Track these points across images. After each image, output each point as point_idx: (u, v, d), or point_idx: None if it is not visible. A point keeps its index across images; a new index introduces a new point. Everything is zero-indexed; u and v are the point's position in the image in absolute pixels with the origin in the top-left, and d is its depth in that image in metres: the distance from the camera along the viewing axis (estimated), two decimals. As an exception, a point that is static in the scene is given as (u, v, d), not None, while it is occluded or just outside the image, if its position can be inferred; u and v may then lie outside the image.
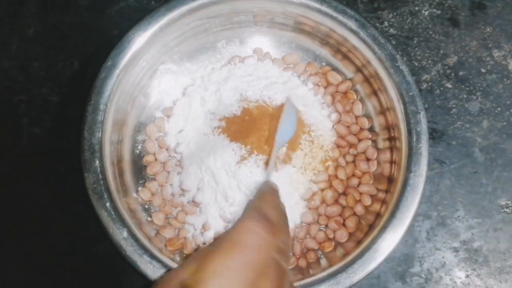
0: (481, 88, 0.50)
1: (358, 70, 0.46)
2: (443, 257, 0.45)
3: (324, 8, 0.42)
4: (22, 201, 0.46)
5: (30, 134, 0.48)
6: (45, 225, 0.45)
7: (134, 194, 0.43)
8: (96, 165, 0.37)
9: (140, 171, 0.45)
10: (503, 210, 0.46)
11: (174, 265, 0.37)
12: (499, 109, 0.49)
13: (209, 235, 0.43)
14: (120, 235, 0.36)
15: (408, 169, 0.38)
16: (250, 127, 0.42)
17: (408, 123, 0.39)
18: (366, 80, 0.45)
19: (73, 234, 0.45)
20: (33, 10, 0.52)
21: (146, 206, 0.44)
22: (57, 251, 0.45)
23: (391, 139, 0.43)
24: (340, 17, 0.41)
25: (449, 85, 0.50)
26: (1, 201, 0.46)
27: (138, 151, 0.45)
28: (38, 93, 0.49)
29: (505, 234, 0.46)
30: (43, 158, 0.47)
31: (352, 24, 0.41)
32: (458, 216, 0.46)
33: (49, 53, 0.50)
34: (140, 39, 0.41)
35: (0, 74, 0.50)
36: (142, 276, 0.36)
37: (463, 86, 0.50)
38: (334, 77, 0.47)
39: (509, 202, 0.46)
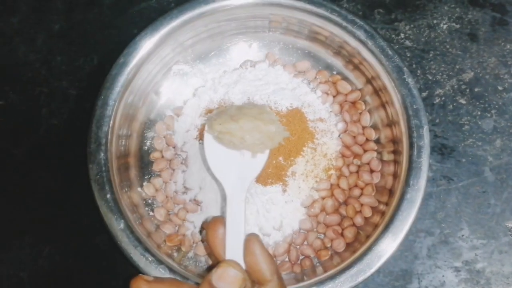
0: (496, 106, 0.49)
1: (368, 81, 0.46)
2: (443, 276, 0.44)
3: (334, 17, 0.42)
4: (35, 187, 0.48)
5: (48, 124, 0.50)
6: (55, 213, 0.47)
7: (139, 189, 0.45)
8: (101, 157, 0.39)
9: (146, 167, 0.46)
10: (510, 233, 0.45)
11: (167, 260, 0.38)
12: (514, 128, 0.48)
13: (208, 234, 0.44)
14: (117, 226, 0.37)
15: (407, 183, 0.37)
16: (253, 130, 0.42)
17: (410, 137, 0.39)
18: (376, 92, 0.45)
19: (79, 223, 0.47)
20: (60, 7, 0.54)
21: (149, 201, 0.45)
22: (62, 238, 0.46)
23: (395, 152, 0.43)
24: (349, 26, 0.41)
25: (463, 101, 0.49)
26: (16, 188, 0.48)
27: (146, 147, 0.47)
28: (58, 86, 0.51)
29: (510, 257, 0.44)
30: (59, 148, 0.49)
31: (360, 34, 0.41)
32: (462, 235, 0.45)
33: (71, 49, 0.53)
34: (152, 39, 0.42)
35: (25, 66, 0.52)
36: (135, 268, 0.37)
37: (477, 103, 0.49)
38: (344, 87, 0.47)
39: (517, 225, 0.45)
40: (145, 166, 0.46)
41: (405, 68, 0.40)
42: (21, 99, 0.51)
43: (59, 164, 0.49)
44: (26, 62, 0.52)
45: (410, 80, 0.40)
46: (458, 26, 0.52)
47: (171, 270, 0.36)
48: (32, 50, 0.53)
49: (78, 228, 0.47)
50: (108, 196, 0.38)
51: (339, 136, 0.46)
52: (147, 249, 0.37)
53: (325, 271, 0.41)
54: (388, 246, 0.36)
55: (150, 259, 0.36)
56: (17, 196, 0.48)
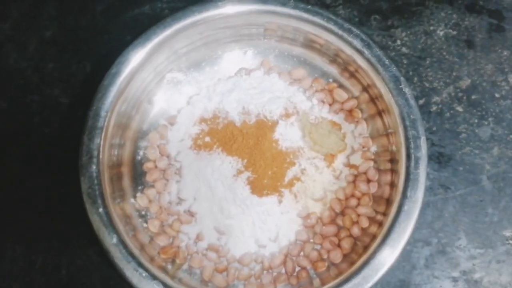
0: (493, 114, 0.48)
1: (364, 89, 0.45)
2: (440, 286, 0.44)
3: (330, 26, 0.41)
4: (27, 197, 0.47)
5: (40, 133, 0.49)
6: (47, 224, 0.46)
7: (132, 200, 0.44)
8: (92, 170, 0.38)
9: (139, 177, 0.45)
10: (507, 242, 0.45)
11: (161, 275, 0.37)
12: (511, 136, 0.48)
13: (203, 246, 0.43)
14: (109, 241, 0.36)
15: (404, 195, 0.37)
16: (249, 141, 0.42)
17: (407, 148, 0.38)
18: (372, 100, 0.44)
19: (72, 234, 0.46)
20: (52, 13, 0.53)
21: (143, 213, 0.44)
22: (55, 249, 0.46)
23: (392, 161, 0.42)
24: (345, 35, 0.41)
25: (460, 109, 0.49)
26: (7, 197, 0.47)
27: (139, 157, 0.46)
28: (50, 94, 0.50)
29: (508, 267, 0.44)
30: (50, 157, 0.48)
31: (357, 43, 0.41)
32: (460, 245, 0.45)
33: (64, 56, 0.52)
34: (145, 49, 0.42)
35: (16, 73, 0.51)
36: (128, 283, 0.36)
37: (474, 111, 0.49)
38: (340, 95, 0.47)
39: (514, 234, 0.45)
40: (138, 177, 0.45)
41: (402, 78, 0.40)
42: (12, 107, 0.50)
43: (51, 173, 0.48)
44: (17, 69, 0.51)
45: (407, 90, 0.39)
46: (455, 32, 0.51)
47: (165, 285, 0.36)
48: (23, 57, 0.52)
49: (71, 238, 0.46)
50: (100, 210, 0.37)
51: (335, 145, 0.45)
52: (140, 264, 0.36)
53: (322, 283, 0.40)
54: (385, 259, 0.36)
55: (143, 274, 0.36)
56: (8, 206, 0.47)
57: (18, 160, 0.49)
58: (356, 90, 0.46)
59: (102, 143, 0.39)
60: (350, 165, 0.45)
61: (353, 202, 0.44)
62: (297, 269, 0.43)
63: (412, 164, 0.38)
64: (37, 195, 0.47)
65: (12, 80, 0.51)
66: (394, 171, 0.42)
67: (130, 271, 0.36)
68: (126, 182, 0.44)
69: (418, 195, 0.37)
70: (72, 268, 0.45)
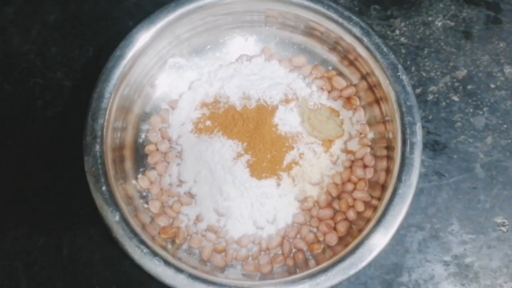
0: (488, 104, 0.49)
1: (363, 77, 0.46)
2: (432, 269, 0.45)
3: (330, 13, 0.42)
4: (30, 179, 0.48)
5: (43, 116, 0.50)
6: (49, 205, 0.47)
7: (133, 181, 0.45)
8: (96, 149, 0.39)
9: (141, 159, 0.46)
10: (498, 228, 0.46)
11: (162, 252, 0.38)
12: (505, 126, 0.49)
13: (202, 227, 0.44)
14: (112, 218, 0.37)
15: (399, 179, 0.38)
16: (249, 125, 0.43)
17: (403, 133, 0.39)
18: (370, 88, 0.45)
19: (74, 214, 0.47)
20: (56, -3, 0.54)
21: (144, 194, 0.45)
22: (57, 229, 0.47)
23: (389, 148, 0.43)
24: (345, 23, 0.42)
25: (456, 98, 0.50)
26: (11, 179, 0.48)
27: (141, 140, 0.47)
28: (53, 77, 0.51)
29: (498, 252, 0.45)
30: (54, 140, 0.49)
31: (356, 31, 0.41)
32: (452, 230, 0.46)
33: (67, 40, 0.52)
34: (149, 33, 0.42)
35: (19, 57, 0.52)
36: (130, 260, 0.37)
37: (470, 100, 0.50)
38: (339, 82, 0.48)
39: (505, 220, 0.46)
40: (140, 159, 0.46)
41: (399, 65, 0.41)
42: (16, 90, 0.51)
43: (54, 155, 0.49)
44: (20, 53, 0.52)
45: (404, 77, 0.40)
46: (452, 23, 0.52)
47: (165, 261, 0.37)
48: (26, 41, 0.53)
49: (73, 219, 0.47)
50: (104, 188, 0.38)
51: (333, 131, 0.46)
52: (142, 241, 0.37)
53: (317, 264, 0.41)
54: (379, 240, 0.37)
55: (145, 251, 0.37)
56: (12, 187, 0.48)
57: (22, 142, 0.49)
58: (355, 78, 0.47)
59: (105, 124, 0.40)
60: (347, 151, 0.46)
61: (350, 186, 0.45)
62: (294, 250, 0.44)
63: (408, 149, 0.39)
64: (40, 176, 0.48)
65: (16, 64, 0.52)
66: (390, 158, 0.43)
67: (132, 248, 0.37)
68: (128, 164, 0.45)
69: (412, 180, 0.38)
70: (73, 248, 0.46)
